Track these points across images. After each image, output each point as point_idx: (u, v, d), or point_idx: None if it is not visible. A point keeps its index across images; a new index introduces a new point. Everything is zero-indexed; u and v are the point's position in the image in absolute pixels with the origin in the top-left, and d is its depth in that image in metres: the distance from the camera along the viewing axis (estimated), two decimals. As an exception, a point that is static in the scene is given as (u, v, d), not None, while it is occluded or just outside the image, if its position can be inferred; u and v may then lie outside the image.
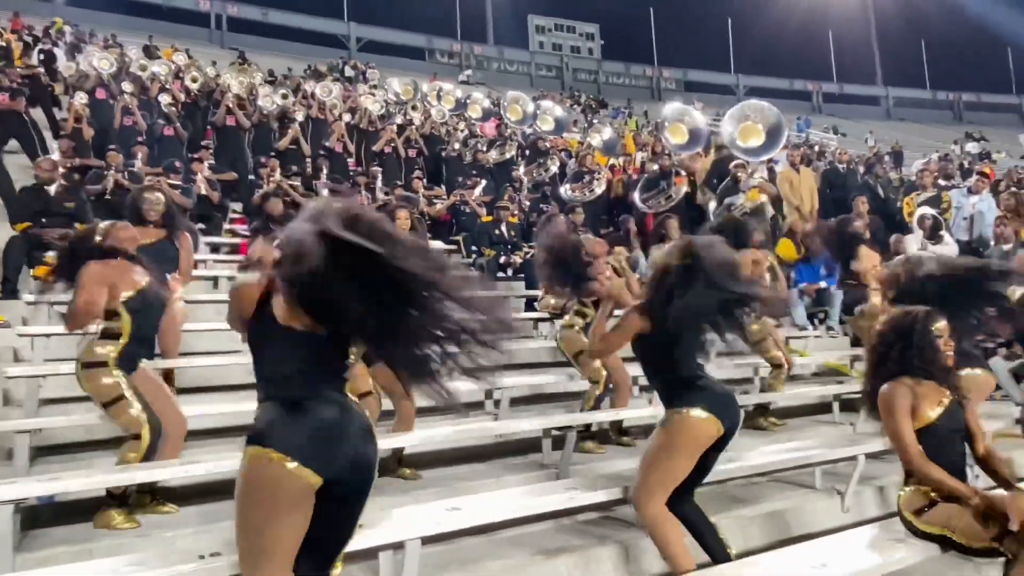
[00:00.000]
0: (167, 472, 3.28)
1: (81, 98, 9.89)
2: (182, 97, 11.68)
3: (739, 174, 7.66)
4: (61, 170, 7.21)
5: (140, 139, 9.08)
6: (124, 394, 3.39)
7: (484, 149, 11.77)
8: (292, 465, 1.90)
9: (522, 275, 8.17)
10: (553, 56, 44.06)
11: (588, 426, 4.80)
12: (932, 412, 2.90)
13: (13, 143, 9.31)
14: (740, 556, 3.15)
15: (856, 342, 7.22)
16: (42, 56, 13.86)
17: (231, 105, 10.43)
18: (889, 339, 3.01)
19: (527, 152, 12.73)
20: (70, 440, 4.23)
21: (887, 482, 4.22)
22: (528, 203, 9.94)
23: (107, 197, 7.46)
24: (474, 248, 8.64)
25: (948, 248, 7.57)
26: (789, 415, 5.74)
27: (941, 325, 2.98)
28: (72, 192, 6.90)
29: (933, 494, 2.88)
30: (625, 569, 3.25)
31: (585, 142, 12.67)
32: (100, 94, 10.52)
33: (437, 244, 8.56)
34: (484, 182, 10.30)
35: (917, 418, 2.89)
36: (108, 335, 3.49)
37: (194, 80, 12.06)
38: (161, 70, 12.24)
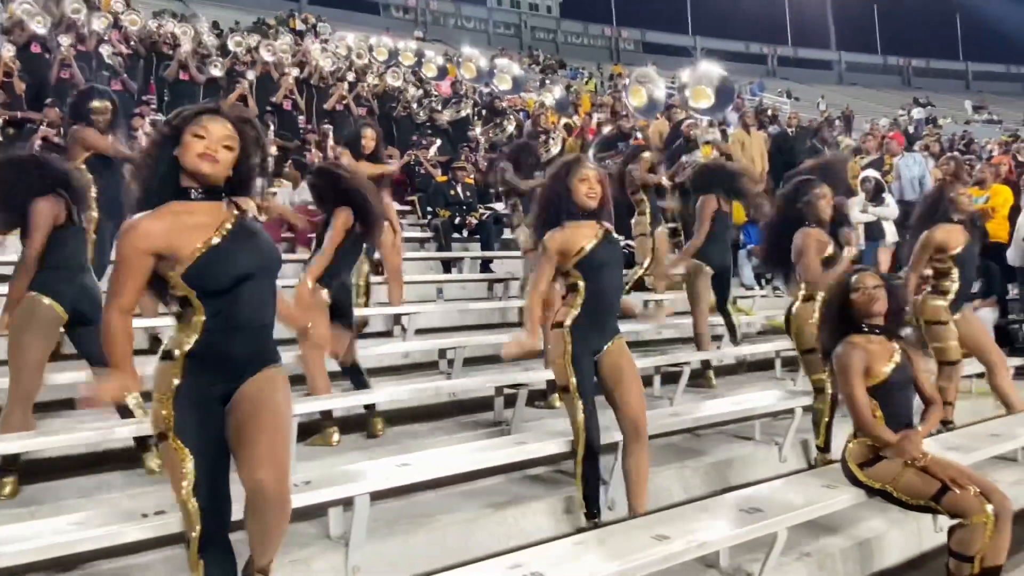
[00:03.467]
0: (121, 431, 3.25)
1: (8, 50, 9.35)
2: (122, 48, 11.15)
3: (692, 132, 7.73)
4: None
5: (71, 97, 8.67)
6: None
7: (439, 108, 11.60)
8: None
9: (478, 236, 8.17)
10: (511, 13, 43.28)
11: None
12: (885, 368, 3.02)
13: None
14: (681, 504, 3.28)
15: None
16: (-32, 3, 13.04)
17: (183, 59, 10.03)
18: (837, 297, 3.15)
19: (483, 112, 12.60)
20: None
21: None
22: (485, 163, 9.88)
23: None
24: (429, 209, 8.58)
25: (889, 210, 7.82)
26: (734, 371, 5.93)
27: (868, 279, 3.10)
28: (5, 148, 6.60)
29: (880, 451, 3.01)
30: (571, 519, 3.35)
31: (538, 102, 12.58)
32: (34, 48, 9.97)
33: (392, 204, 8.47)
34: (439, 142, 10.18)
35: (871, 375, 3.01)
36: None
37: (132, 23, 11.50)
38: (100, 23, 11.64)
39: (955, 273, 4.43)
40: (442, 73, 13.64)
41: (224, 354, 2.09)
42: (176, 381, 2.05)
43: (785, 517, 2.78)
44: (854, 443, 3.14)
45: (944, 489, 2.85)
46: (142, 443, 3.38)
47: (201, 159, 2.04)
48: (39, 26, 10.21)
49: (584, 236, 3.06)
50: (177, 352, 2.06)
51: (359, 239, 4.16)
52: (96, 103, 4.85)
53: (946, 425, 4.34)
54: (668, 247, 7.42)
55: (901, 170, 8.65)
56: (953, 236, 4.43)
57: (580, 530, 3.17)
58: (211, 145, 2.04)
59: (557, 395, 4.74)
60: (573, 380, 3.07)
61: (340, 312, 4.08)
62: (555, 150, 9.82)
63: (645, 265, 7.07)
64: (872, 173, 7.98)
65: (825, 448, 4.00)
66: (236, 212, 2.13)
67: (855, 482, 3.09)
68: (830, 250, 3.98)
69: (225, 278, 2.05)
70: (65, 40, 10.16)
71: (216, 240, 2.05)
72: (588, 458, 3.11)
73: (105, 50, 10.15)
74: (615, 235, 3.21)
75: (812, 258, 3.91)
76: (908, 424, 3.08)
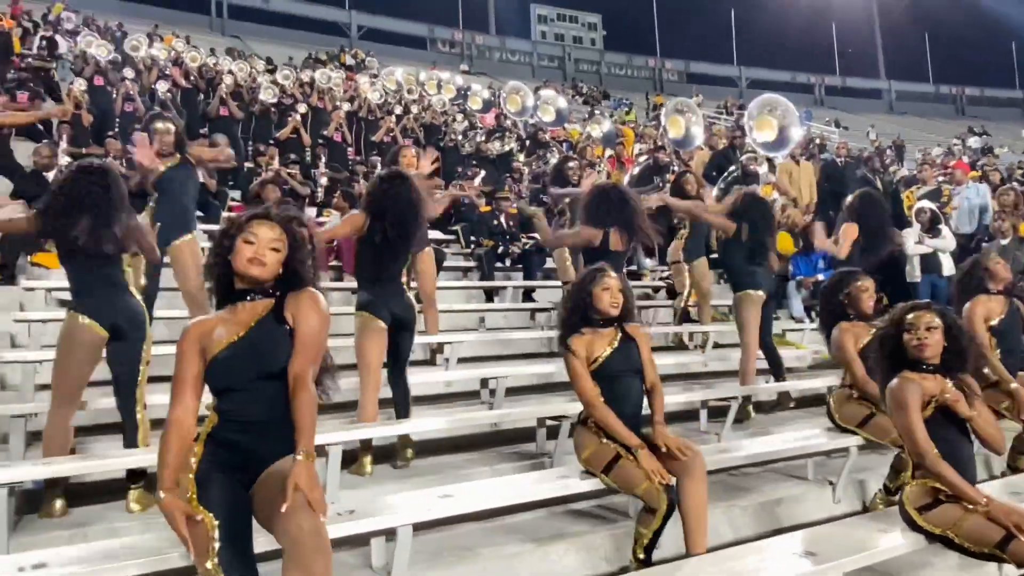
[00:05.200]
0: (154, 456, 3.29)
1: (80, 84, 9.87)
2: (183, 82, 11.67)
3: (752, 167, 7.57)
4: (64, 159, 7.21)
5: (138, 127, 9.06)
6: None
7: (483, 140, 11.76)
8: None
9: (520, 265, 8.18)
10: (555, 46, 43.86)
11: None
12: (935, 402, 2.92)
13: None
14: (731, 545, 3.17)
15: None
16: (43, 43, 13.81)
17: (224, 95, 10.44)
18: (890, 333, 3.05)
19: (527, 143, 12.72)
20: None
21: (878, 474, 4.23)
22: (527, 194, 9.93)
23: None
24: (473, 238, 8.63)
25: (945, 242, 7.58)
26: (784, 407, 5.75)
27: (923, 319, 3.00)
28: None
29: (940, 494, 2.89)
30: (616, 556, 3.27)
31: (585, 133, 12.64)
32: (98, 81, 10.53)
33: (436, 234, 8.56)
34: (483, 172, 10.29)
35: (924, 409, 2.91)
36: None
37: (193, 60, 12.05)
38: (160, 54, 12.22)
39: (994, 343, 4.37)
40: (487, 106, 13.84)
41: (236, 445, 2.24)
42: (195, 460, 2.22)
43: (841, 562, 2.67)
44: (913, 486, 3.00)
45: (1010, 536, 2.70)
46: (133, 477, 3.33)
47: (250, 264, 2.27)
48: (103, 54, 10.80)
49: (600, 345, 3.18)
50: (200, 435, 2.28)
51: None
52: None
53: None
54: (712, 277, 7.32)
55: (961, 200, 8.41)
56: (992, 307, 4.44)
57: (623, 570, 3.10)
58: (259, 250, 2.27)
59: None
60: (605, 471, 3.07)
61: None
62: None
63: (684, 295, 6.97)
64: (928, 204, 7.76)
65: (892, 492, 3.84)
66: (272, 306, 2.30)
67: (914, 527, 2.95)
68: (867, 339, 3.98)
69: (227, 380, 2.25)
70: (129, 73, 10.71)
71: (233, 340, 2.24)
72: (668, 515, 2.91)
73: (161, 87, 10.64)
74: (632, 335, 3.24)
75: (850, 354, 3.94)
76: (966, 463, 2.94)
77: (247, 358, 2.24)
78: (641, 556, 2.99)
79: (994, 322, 4.38)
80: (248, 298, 2.30)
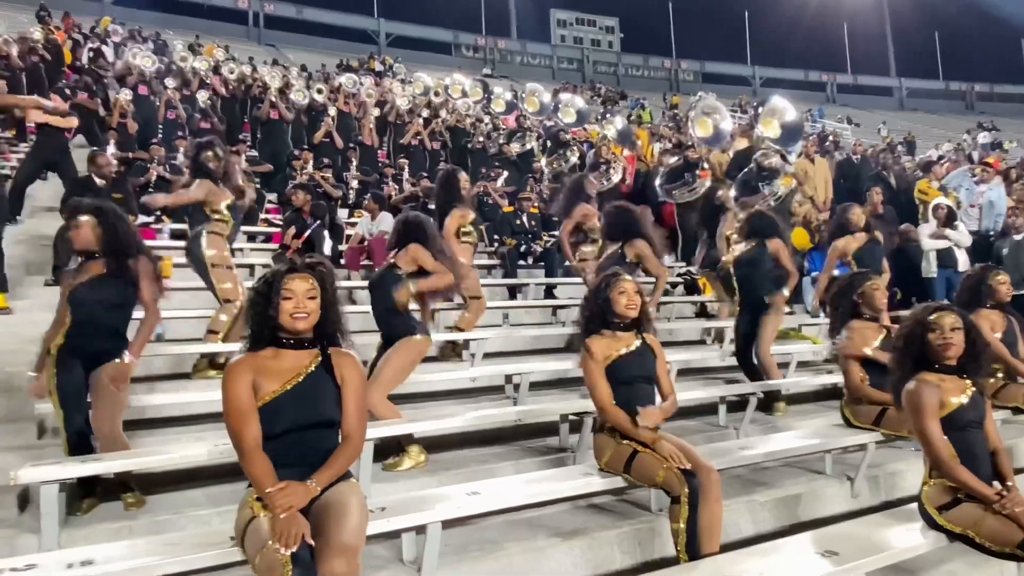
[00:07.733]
0: (200, 451, 3.28)
1: (126, 94, 9.95)
2: (222, 91, 11.70)
3: (767, 162, 7.38)
4: (113, 163, 7.27)
5: (180, 133, 9.13)
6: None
7: (504, 141, 11.64)
8: None
9: (542, 263, 8.09)
10: (574, 49, 43.51)
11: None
12: (955, 400, 2.84)
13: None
14: (752, 541, 3.08)
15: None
16: (91, 54, 13.97)
17: (274, 99, 10.39)
18: (915, 333, 2.95)
19: (548, 143, 12.57)
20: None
21: (895, 469, 4.11)
22: (548, 193, 9.83)
23: (149, 189, 7.52)
24: (496, 237, 8.57)
25: (961, 237, 7.37)
26: (802, 401, 5.61)
27: (947, 319, 2.88)
28: (118, 184, 6.96)
29: (960, 493, 2.80)
30: (639, 551, 3.20)
31: (601, 134, 12.46)
32: (142, 90, 10.59)
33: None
34: (506, 173, 10.20)
35: (942, 406, 2.82)
36: None
37: (231, 72, 12.08)
38: (201, 66, 12.27)
39: None
40: (510, 108, 13.71)
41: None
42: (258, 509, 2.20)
43: (864, 561, 2.56)
44: (931, 485, 2.89)
45: None
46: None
47: (294, 319, 2.29)
48: (148, 65, 10.88)
49: (617, 348, 3.13)
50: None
51: None
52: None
53: None
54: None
55: (973, 197, 8.16)
56: (994, 320, 4.46)
57: (648, 565, 3.02)
58: (299, 304, 2.30)
59: None
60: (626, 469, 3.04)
61: None
62: (616, 179, 9.67)
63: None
64: (944, 201, 7.54)
65: None
66: (319, 357, 2.33)
67: (934, 525, 2.84)
68: (877, 343, 3.93)
69: (283, 423, 2.24)
70: (171, 83, 10.75)
71: (287, 387, 2.26)
72: (694, 502, 2.77)
73: (201, 95, 10.67)
74: (650, 345, 3.21)
75: (853, 356, 3.94)
76: (981, 461, 2.83)
77: (301, 405, 2.27)
78: (685, 556, 2.79)
79: (998, 334, 4.40)
80: (286, 342, 2.32)
